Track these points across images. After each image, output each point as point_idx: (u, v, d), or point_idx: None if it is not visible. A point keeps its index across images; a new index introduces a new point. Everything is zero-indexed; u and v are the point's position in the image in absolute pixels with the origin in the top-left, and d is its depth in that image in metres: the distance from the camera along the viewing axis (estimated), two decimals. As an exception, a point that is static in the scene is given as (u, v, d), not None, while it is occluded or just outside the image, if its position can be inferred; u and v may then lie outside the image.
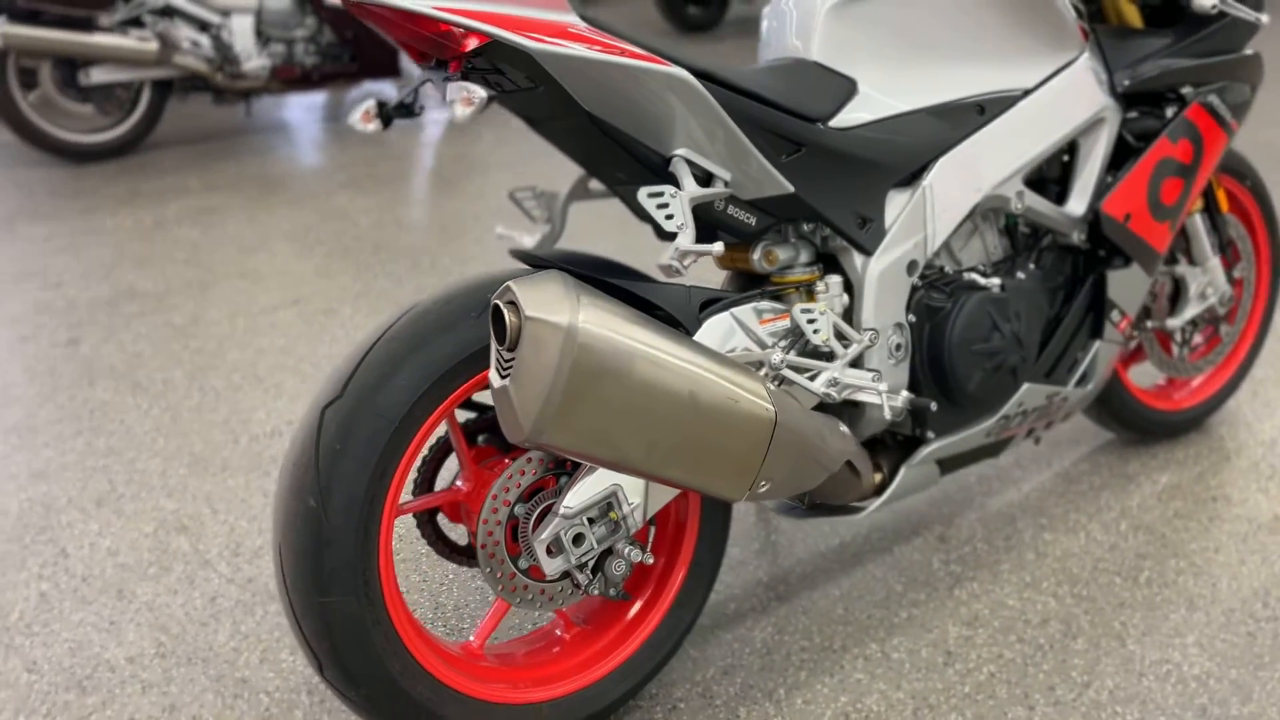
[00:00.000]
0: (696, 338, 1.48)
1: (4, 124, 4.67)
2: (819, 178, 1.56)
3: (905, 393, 1.64)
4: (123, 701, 1.68)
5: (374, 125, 1.50)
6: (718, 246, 1.38)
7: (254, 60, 4.88)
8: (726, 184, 1.49)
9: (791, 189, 1.53)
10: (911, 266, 1.65)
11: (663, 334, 1.32)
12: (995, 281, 1.70)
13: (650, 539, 1.56)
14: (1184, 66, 1.93)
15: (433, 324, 1.37)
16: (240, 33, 4.87)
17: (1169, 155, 1.93)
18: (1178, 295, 2.22)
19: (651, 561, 1.51)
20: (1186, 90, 1.97)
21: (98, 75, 4.66)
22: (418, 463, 1.53)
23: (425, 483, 1.55)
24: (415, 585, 1.92)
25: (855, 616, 1.84)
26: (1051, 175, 1.87)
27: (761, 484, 1.42)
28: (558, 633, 1.61)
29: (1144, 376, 2.54)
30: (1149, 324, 2.19)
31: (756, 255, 1.60)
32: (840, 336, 1.60)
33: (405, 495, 2.09)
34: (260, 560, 2.03)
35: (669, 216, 1.40)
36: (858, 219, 1.61)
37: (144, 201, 4.31)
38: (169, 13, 4.78)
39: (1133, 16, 2.02)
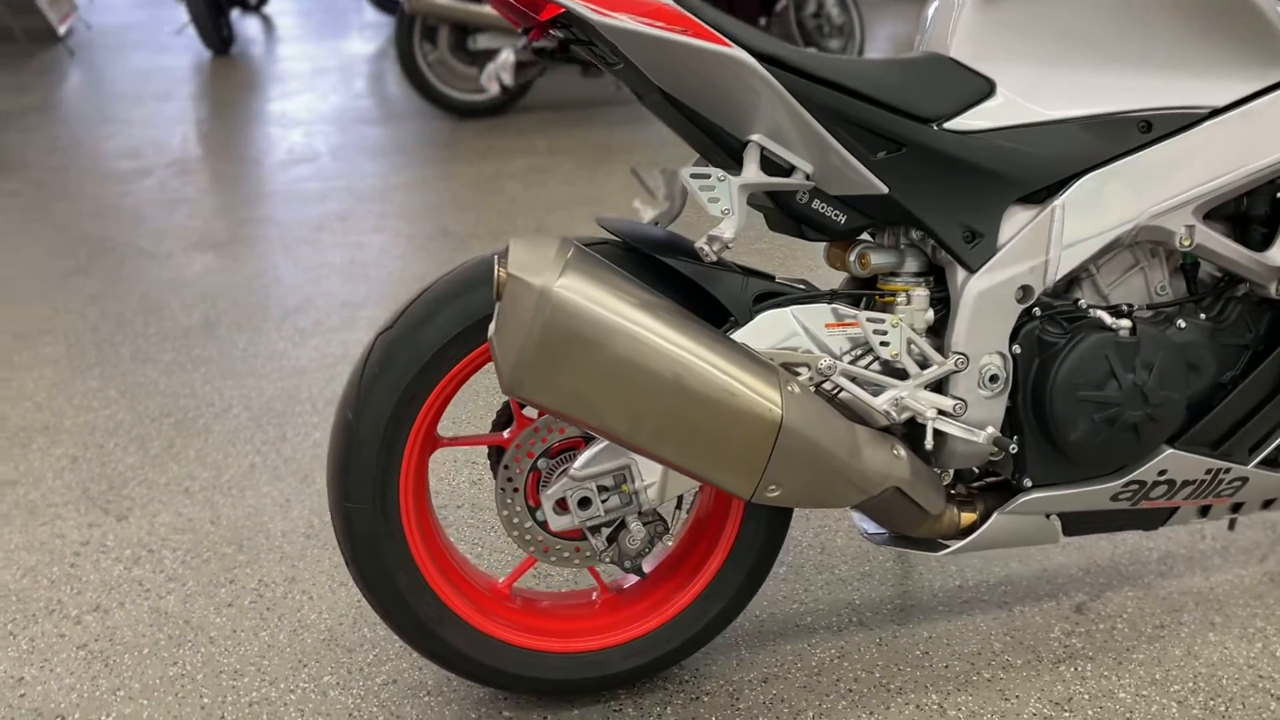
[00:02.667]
0: (744, 330, 1.45)
1: (406, 79, 5.39)
2: (921, 181, 1.45)
3: (990, 429, 1.49)
4: (263, 564, 1.97)
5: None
6: (724, 230, 1.34)
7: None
8: (809, 176, 1.44)
9: (884, 189, 1.43)
10: (1023, 293, 1.48)
11: (659, 314, 1.31)
12: (1125, 324, 1.48)
13: (677, 523, 1.55)
14: None
15: (483, 274, 1.46)
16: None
17: None
18: None
19: (670, 544, 1.51)
20: None
21: (483, 41, 5.23)
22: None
23: (500, 426, 1.65)
24: (485, 523, 2.05)
25: (931, 662, 1.69)
26: (1257, 214, 1.57)
27: (771, 488, 1.37)
28: (592, 596, 1.65)
29: None
30: None
31: (852, 257, 1.52)
32: (920, 356, 1.48)
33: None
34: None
35: (713, 200, 1.38)
36: (964, 231, 1.47)
37: (494, 156, 4.80)
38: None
39: None
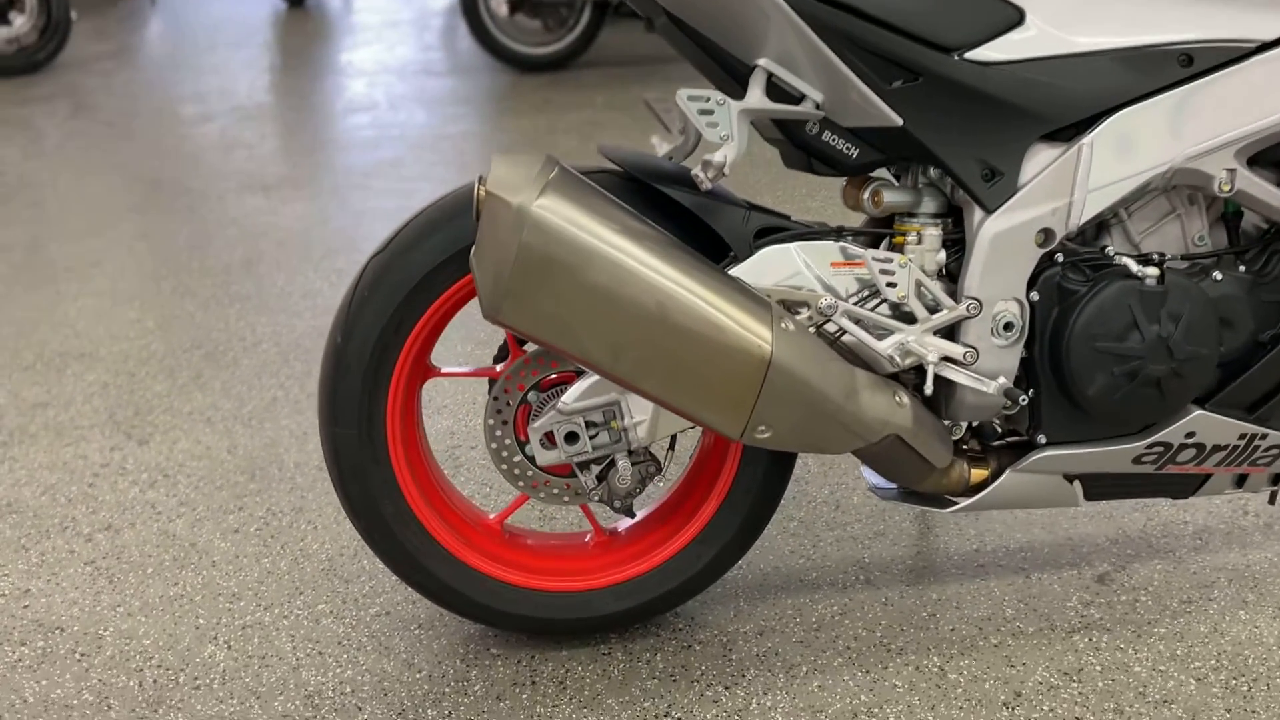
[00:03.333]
0: (743, 266, 1.39)
1: (470, 31, 5.37)
2: (938, 113, 1.37)
3: (1002, 380, 1.41)
4: (273, 494, 1.98)
5: None
6: (720, 155, 1.29)
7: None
8: (819, 105, 1.37)
9: (899, 122, 1.36)
10: (1044, 236, 1.39)
11: (643, 240, 1.26)
12: (1152, 273, 1.38)
13: (668, 463, 1.50)
14: None
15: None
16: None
17: None
18: None
19: (661, 484, 1.46)
20: None
21: (544, -9, 5.20)
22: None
23: (501, 360, 1.62)
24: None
25: (936, 625, 1.63)
26: (1314, 160, 1.46)
27: (761, 429, 1.32)
28: (585, 537, 1.62)
29: None
30: None
31: (865, 195, 1.45)
32: (930, 300, 1.40)
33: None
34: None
35: (712, 125, 1.32)
36: (982, 168, 1.38)
37: (551, 110, 4.76)
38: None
39: None
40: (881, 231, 1.47)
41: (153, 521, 1.90)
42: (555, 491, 1.50)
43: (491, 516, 1.59)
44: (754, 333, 1.28)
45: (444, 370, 1.54)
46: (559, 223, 1.21)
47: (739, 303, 1.29)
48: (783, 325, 1.31)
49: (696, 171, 1.35)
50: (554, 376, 1.46)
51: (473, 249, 1.27)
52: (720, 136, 1.33)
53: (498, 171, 1.24)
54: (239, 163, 4.07)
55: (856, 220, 1.55)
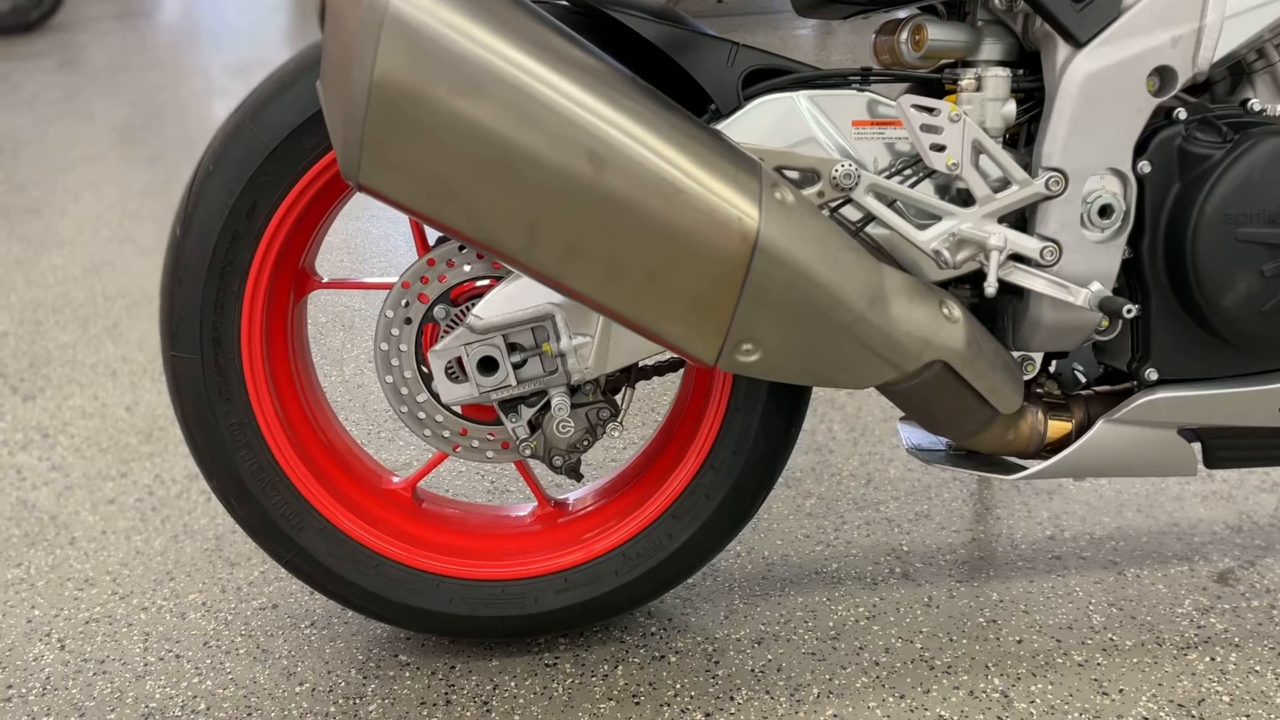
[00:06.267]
0: (727, 123, 0.98)
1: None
2: (1008, -96, 0.95)
3: (1097, 286, 0.98)
4: (166, 458, 1.60)
5: None
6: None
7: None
8: (836, -105, 0.96)
9: (950, -83, 0.94)
10: (1160, 79, 0.97)
11: (573, 65, 0.86)
12: (1323, 123, 0.95)
13: (627, 405, 1.09)
14: None
15: (361, 36, 1.03)
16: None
17: None
18: None
19: (617, 433, 1.06)
20: None
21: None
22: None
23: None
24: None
25: (998, 634, 1.20)
26: None
27: (745, 347, 0.91)
28: (523, 511, 1.22)
29: None
30: None
31: (904, 36, 1.04)
32: (995, 172, 0.99)
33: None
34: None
35: (677, -93, 0.92)
36: (1071, -18, 0.96)
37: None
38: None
39: None
40: (928, 76, 1.06)
41: (11, 489, 1.53)
42: (475, 445, 1.10)
43: (397, 479, 1.20)
44: (731, 202, 0.87)
45: (325, 280, 1.15)
46: (436, 28, 0.81)
47: (712, 161, 0.88)
48: (776, 195, 0.90)
49: (656, -23, 0.95)
50: (470, 282, 1.06)
51: (319, 76, 0.88)
52: (690, -74, 0.92)
53: (351, -42, 0.84)
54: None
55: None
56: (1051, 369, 1.16)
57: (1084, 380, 1.15)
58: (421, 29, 0.81)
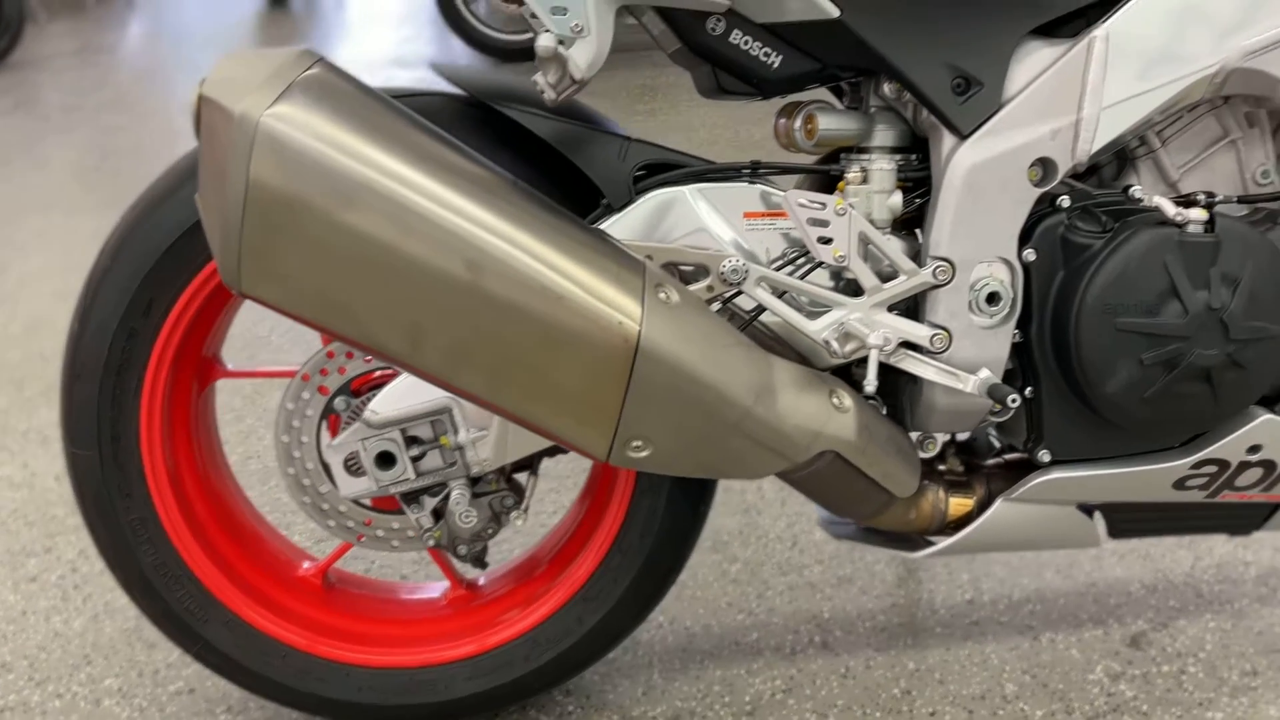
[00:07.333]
0: (618, 218, 0.99)
1: (443, 18, 5.01)
2: (890, 1, 0.97)
3: (985, 373, 1.00)
4: (93, 530, 1.59)
5: None
6: (577, 56, 0.89)
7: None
8: (722, -9, 0.97)
9: (834, 12, 0.96)
10: (1042, 169, 0.98)
11: (448, 171, 0.86)
12: (1198, 218, 0.97)
13: (531, 492, 1.10)
14: None
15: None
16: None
17: None
18: None
19: (520, 522, 1.07)
20: None
21: (525, -23, 4.81)
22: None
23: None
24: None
25: (911, 707, 1.21)
26: None
27: (635, 443, 0.91)
28: (436, 592, 1.22)
29: None
30: None
31: (797, 123, 1.05)
32: (882, 262, 1.00)
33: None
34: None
35: (559, 11, 0.93)
36: (953, 76, 0.98)
37: (526, 99, 4.39)
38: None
39: None
40: (818, 169, 1.07)
41: (-67, 568, 1.53)
42: (379, 534, 1.10)
43: (308, 565, 1.19)
44: (613, 304, 0.88)
45: (231, 368, 1.15)
46: (308, 141, 0.82)
47: (594, 262, 0.89)
48: (660, 295, 0.91)
49: (538, 78, 0.96)
50: (371, 374, 1.07)
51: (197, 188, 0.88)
52: (573, 29, 0.93)
53: (223, 70, 0.85)
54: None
55: (786, 159, 1.14)
56: (963, 437, 1.18)
57: (998, 446, 1.17)
58: (293, 143, 0.82)
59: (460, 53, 5.29)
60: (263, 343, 2.20)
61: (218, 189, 0.83)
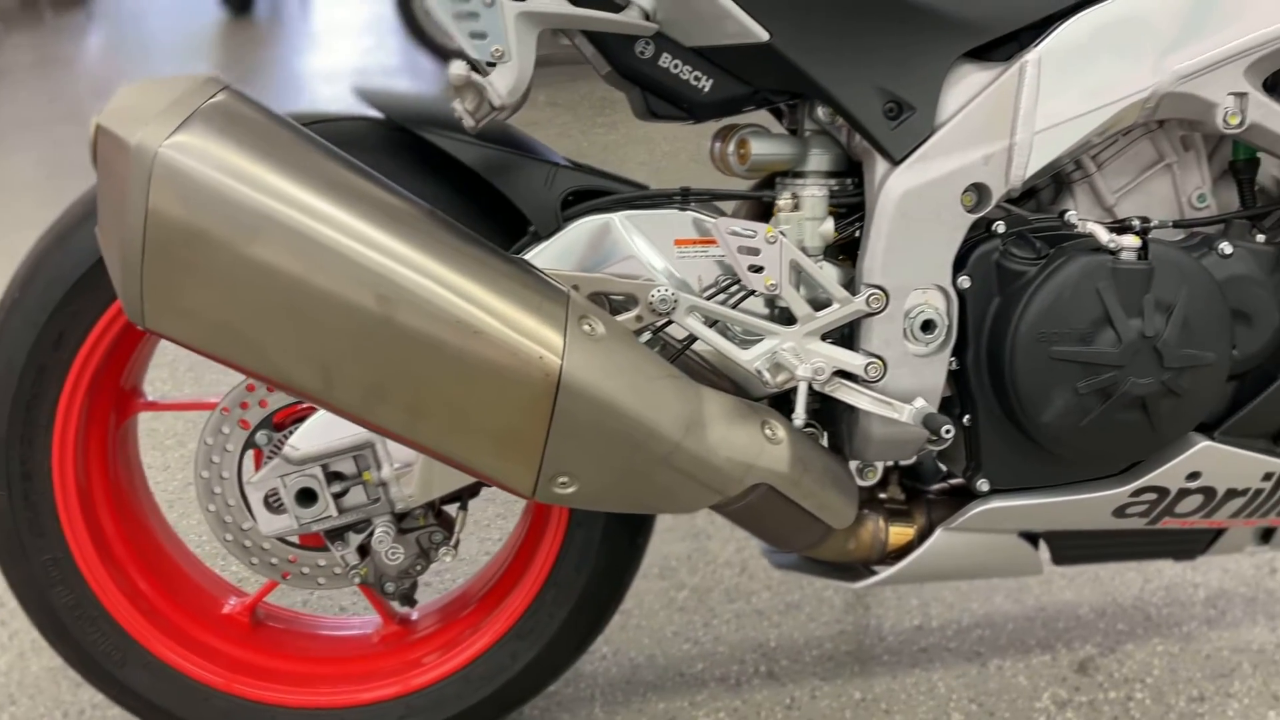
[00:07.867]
0: (544, 247, 0.97)
1: (404, 26, 4.98)
2: (820, 24, 0.95)
3: (920, 403, 0.98)
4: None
5: None
6: (497, 82, 0.86)
7: None
8: (649, 14, 0.95)
9: (764, 36, 0.94)
10: (976, 195, 0.97)
11: (357, 201, 0.84)
12: (1131, 244, 0.95)
13: (460, 529, 1.07)
14: None
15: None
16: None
17: None
18: None
19: (449, 558, 1.04)
20: None
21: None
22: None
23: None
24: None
25: (856, 739, 1.19)
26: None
27: (560, 480, 0.88)
28: (369, 628, 1.18)
29: None
30: None
31: (730, 148, 1.03)
32: (814, 290, 0.98)
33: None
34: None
35: (477, 36, 0.90)
36: (885, 101, 0.96)
37: (488, 112, 4.37)
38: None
39: None
40: (749, 195, 1.05)
41: None
42: (305, 572, 1.07)
43: (234, 602, 1.16)
44: (534, 338, 0.85)
45: (150, 403, 1.11)
46: (205, 172, 0.79)
47: (514, 293, 0.86)
48: (584, 327, 0.88)
49: (457, 104, 0.93)
50: (293, 407, 1.03)
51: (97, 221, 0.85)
52: (494, 54, 0.91)
53: (122, 99, 0.82)
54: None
55: (721, 184, 1.12)
56: (908, 462, 1.16)
57: (944, 470, 1.15)
58: (192, 174, 0.78)
59: (424, 64, 5.27)
60: (209, 365, 2.15)
61: (116, 222, 0.80)
